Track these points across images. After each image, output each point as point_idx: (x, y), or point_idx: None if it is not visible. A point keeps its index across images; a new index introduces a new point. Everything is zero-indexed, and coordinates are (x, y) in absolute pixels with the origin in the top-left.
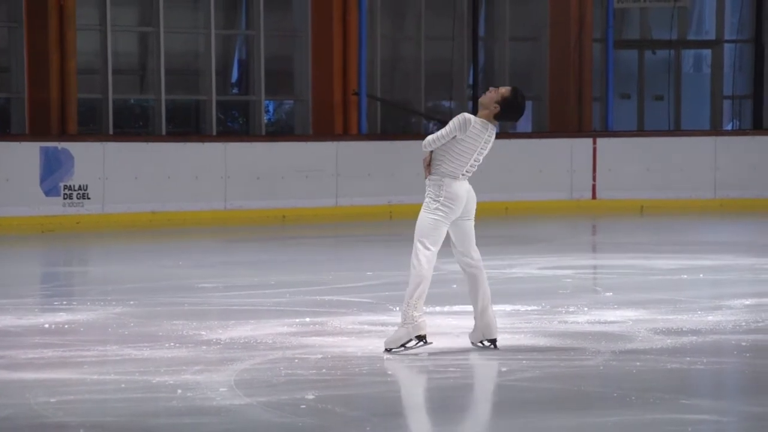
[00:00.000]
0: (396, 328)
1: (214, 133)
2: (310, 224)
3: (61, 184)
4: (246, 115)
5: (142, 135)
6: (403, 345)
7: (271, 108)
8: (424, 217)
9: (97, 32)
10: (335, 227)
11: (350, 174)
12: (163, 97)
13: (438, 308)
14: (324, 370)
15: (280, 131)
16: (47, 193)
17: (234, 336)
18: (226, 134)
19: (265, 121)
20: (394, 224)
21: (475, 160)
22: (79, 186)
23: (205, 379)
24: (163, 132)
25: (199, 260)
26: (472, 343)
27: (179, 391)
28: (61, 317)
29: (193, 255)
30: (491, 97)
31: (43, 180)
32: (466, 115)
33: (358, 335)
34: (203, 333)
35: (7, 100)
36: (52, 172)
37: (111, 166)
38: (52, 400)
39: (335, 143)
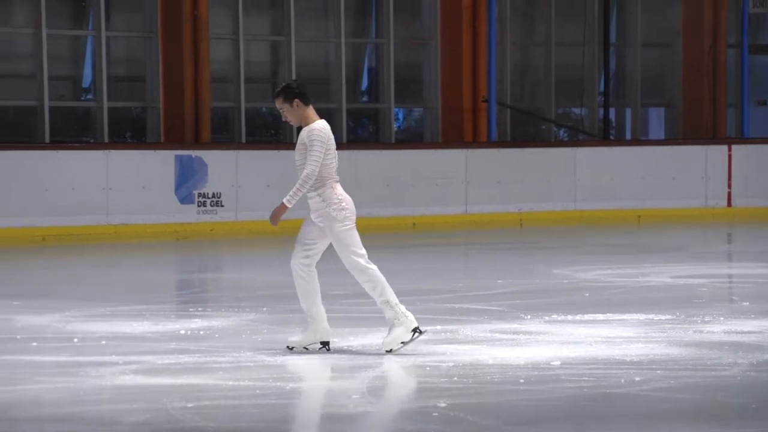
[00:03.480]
0: (389, 329)
1: (344, 141)
2: (440, 232)
3: (195, 192)
4: (376, 123)
5: (273, 143)
6: (403, 342)
7: (400, 115)
8: (341, 232)
9: (230, 41)
10: (465, 235)
11: (480, 181)
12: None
13: (570, 317)
14: (455, 378)
15: (410, 139)
16: (182, 200)
17: (365, 343)
18: (356, 142)
19: (395, 128)
20: (525, 232)
21: (335, 159)
22: (213, 194)
23: (338, 385)
24: (294, 140)
25: (329, 267)
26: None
27: (312, 397)
28: (197, 323)
29: (323, 262)
30: (291, 112)
31: (177, 188)
32: (315, 128)
33: (489, 343)
34: (335, 340)
35: (143, 109)
36: (187, 180)
37: (244, 173)
38: (188, 405)
39: (464, 151)
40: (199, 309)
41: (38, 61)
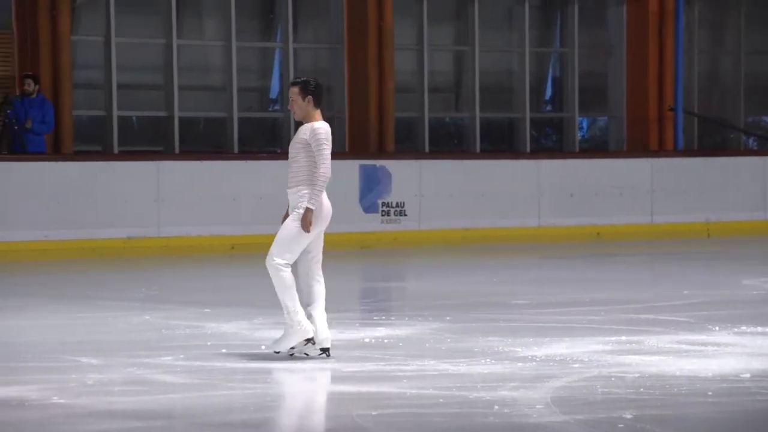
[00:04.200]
0: (283, 333)
1: (528, 150)
2: (625, 241)
3: (379, 201)
4: (559, 132)
5: (456, 152)
6: (292, 348)
7: (584, 124)
8: (293, 227)
9: (414, 52)
10: (651, 244)
11: (666, 191)
12: (478, 115)
13: (759, 328)
14: (641, 390)
15: (594, 148)
16: (366, 209)
17: (549, 353)
18: (540, 151)
19: (579, 137)
20: (712, 242)
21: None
22: (396, 203)
23: (522, 395)
24: (477, 149)
25: (512, 277)
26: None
27: (496, 407)
28: (381, 332)
29: (506, 271)
30: (299, 105)
31: (362, 197)
32: (320, 128)
33: (676, 354)
34: (518, 350)
35: (329, 119)
36: (371, 190)
37: (427, 183)
38: (373, 413)
39: (650, 160)
40: (383, 317)
41: (228, 73)
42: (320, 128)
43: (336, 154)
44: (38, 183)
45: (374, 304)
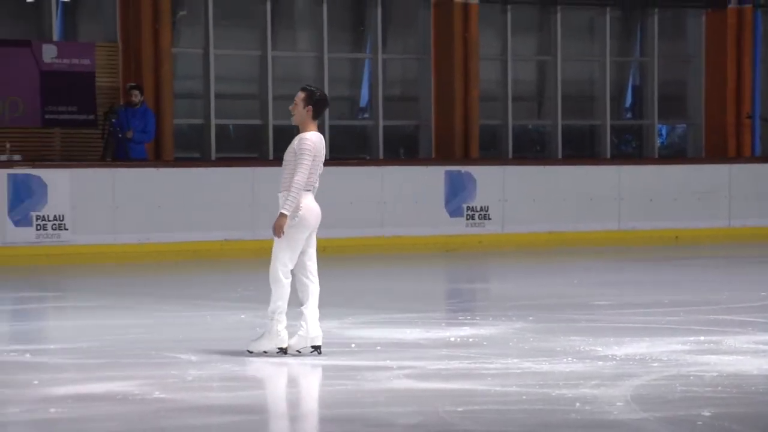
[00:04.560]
0: (261, 334)
1: (608, 156)
2: (703, 245)
3: (464, 206)
4: (639, 139)
5: (539, 158)
6: (265, 351)
7: (663, 131)
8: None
9: (498, 62)
10: (728, 248)
11: (743, 196)
12: (560, 122)
13: None
14: (720, 388)
15: (673, 154)
16: (451, 214)
17: (629, 352)
18: (620, 157)
19: (658, 144)
20: None
21: (318, 171)
22: (481, 207)
23: (602, 393)
24: (559, 156)
25: (593, 279)
26: (298, 351)
27: (577, 404)
28: (465, 331)
29: (587, 274)
30: (298, 111)
31: (447, 201)
32: (307, 138)
33: (753, 354)
34: (599, 349)
35: (416, 127)
36: (456, 194)
37: (510, 188)
38: (458, 409)
39: (728, 166)
40: (468, 317)
41: (320, 82)
42: (308, 139)
43: (422, 160)
44: (140, 189)
45: (459, 305)
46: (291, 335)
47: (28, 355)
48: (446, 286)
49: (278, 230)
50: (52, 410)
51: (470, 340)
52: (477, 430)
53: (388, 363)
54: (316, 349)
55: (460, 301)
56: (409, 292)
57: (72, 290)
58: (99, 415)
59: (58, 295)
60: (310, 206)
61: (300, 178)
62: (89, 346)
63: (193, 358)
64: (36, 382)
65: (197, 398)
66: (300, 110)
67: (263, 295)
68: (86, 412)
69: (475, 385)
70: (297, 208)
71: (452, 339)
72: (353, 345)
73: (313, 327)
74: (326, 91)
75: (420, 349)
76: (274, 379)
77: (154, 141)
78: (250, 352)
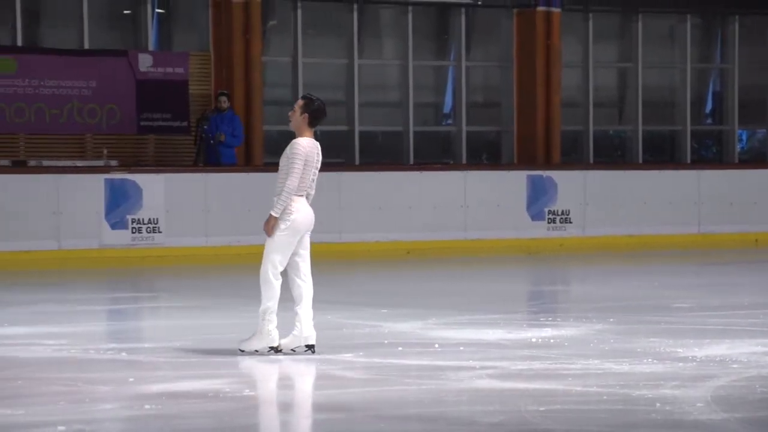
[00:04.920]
0: (252, 334)
1: (689, 161)
2: None
3: (546, 209)
4: (719, 144)
5: (620, 163)
6: (256, 351)
7: (743, 137)
8: (276, 235)
9: (579, 69)
10: None
11: None
12: (640, 127)
13: None
14: None
15: (753, 159)
16: (533, 217)
17: (709, 354)
18: (700, 162)
19: (738, 149)
20: None
21: (313, 176)
22: (562, 211)
23: (682, 394)
24: (640, 160)
25: (673, 281)
26: (292, 350)
27: (658, 404)
28: (547, 332)
29: (667, 276)
30: (295, 117)
31: (529, 205)
32: (299, 143)
33: None
34: (679, 350)
35: (498, 133)
36: (538, 198)
37: (591, 192)
38: (540, 408)
39: None
40: (549, 318)
41: (404, 89)
42: (300, 144)
43: (505, 165)
44: (231, 192)
45: (541, 306)
46: (285, 335)
47: (123, 354)
48: (528, 288)
49: (269, 230)
50: (147, 407)
51: (551, 341)
52: (558, 429)
53: (470, 363)
54: (310, 348)
55: (541, 302)
56: (492, 294)
57: (165, 291)
58: (191, 412)
59: (152, 295)
60: (302, 210)
61: (291, 182)
62: (182, 345)
63: (280, 357)
64: (131, 379)
65: (286, 396)
66: (297, 117)
67: (349, 297)
68: (179, 409)
69: (556, 385)
70: (289, 212)
71: (534, 340)
72: (437, 345)
73: (306, 326)
74: (410, 98)
75: (502, 349)
76: (359, 378)
77: (244, 146)
78: (242, 351)
